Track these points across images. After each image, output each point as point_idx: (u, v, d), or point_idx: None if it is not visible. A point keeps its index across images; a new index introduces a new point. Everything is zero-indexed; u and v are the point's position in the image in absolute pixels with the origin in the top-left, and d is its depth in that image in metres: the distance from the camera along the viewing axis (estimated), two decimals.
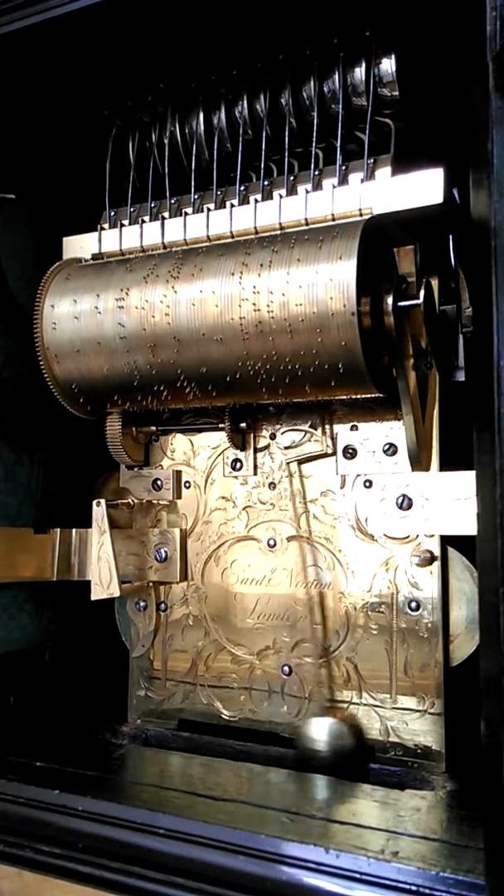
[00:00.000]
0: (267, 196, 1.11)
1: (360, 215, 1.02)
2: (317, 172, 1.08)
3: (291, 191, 1.09)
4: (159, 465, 1.29)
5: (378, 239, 0.99)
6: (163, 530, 1.26)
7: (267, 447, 1.21)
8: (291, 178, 1.10)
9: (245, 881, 0.80)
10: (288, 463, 1.18)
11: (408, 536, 1.09)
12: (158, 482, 1.28)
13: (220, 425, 1.19)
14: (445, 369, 1.07)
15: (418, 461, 1.02)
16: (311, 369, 0.97)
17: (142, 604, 1.28)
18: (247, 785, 1.01)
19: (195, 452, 1.27)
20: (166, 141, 1.19)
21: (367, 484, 1.12)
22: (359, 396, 1.05)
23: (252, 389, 1.04)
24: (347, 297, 0.93)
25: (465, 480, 1.01)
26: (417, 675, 1.07)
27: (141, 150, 1.23)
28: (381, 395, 1.00)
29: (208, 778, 1.02)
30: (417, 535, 1.08)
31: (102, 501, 1.18)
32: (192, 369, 1.04)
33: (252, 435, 1.21)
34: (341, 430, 1.14)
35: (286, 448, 1.19)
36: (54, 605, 1.36)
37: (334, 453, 1.15)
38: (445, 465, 1.06)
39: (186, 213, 1.16)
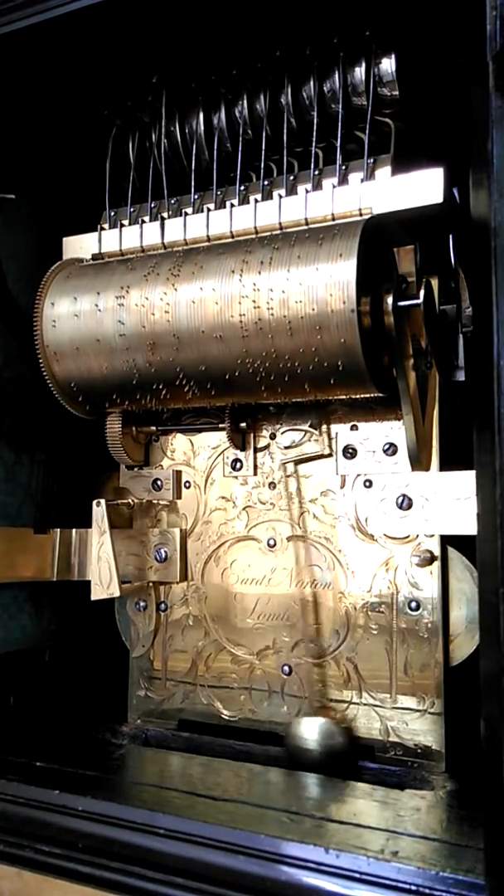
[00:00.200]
0: (267, 196, 1.11)
1: (360, 215, 1.02)
2: (317, 172, 1.08)
3: (291, 191, 1.09)
4: (159, 465, 1.29)
5: (378, 238, 0.99)
6: (163, 530, 1.26)
7: (267, 447, 1.21)
8: (291, 177, 1.10)
9: (245, 881, 0.80)
10: (284, 463, 1.18)
11: (408, 536, 1.09)
12: (158, 482, 1.28)
13: (220, 425, 1.19)
14: (445, 369, 1.07)
15: (418, 461, 1.02)
16: (310, 367, 0.97)
17: (142, 604, 1.28)
18: (247, 785, 1.01)
19: (195, 452, 1.27)
20: (166, 141, 1.19)
21: (367, 484, 1.12)
22: (359, 396, 1.05)
23: (251, 388, 1.04)
24: (347, 295, 0.93)
25: (465, 480, 1.01)
26: (417, 674, 1.07)
27: (141, 150, 1.23)
28: (381, 395, 1.00)
29: (208, 778, 1.02)
30: (417, 535, 1.08)
31: (102, 501, 1.18)
32: (191, 368, 1.04)
33: (252, 435, 1.21)
34: (341, 429, 1.14)
35: (286, 448, 1.19)
36: (54, 605, 1.36)
37: (333, 453, 1.15)
38: (445, 465, 1.06)
39: (186, 213, 1.16)
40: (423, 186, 0.98)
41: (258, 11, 1.02)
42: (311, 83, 1.08)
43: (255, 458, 1.21)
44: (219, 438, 1.24)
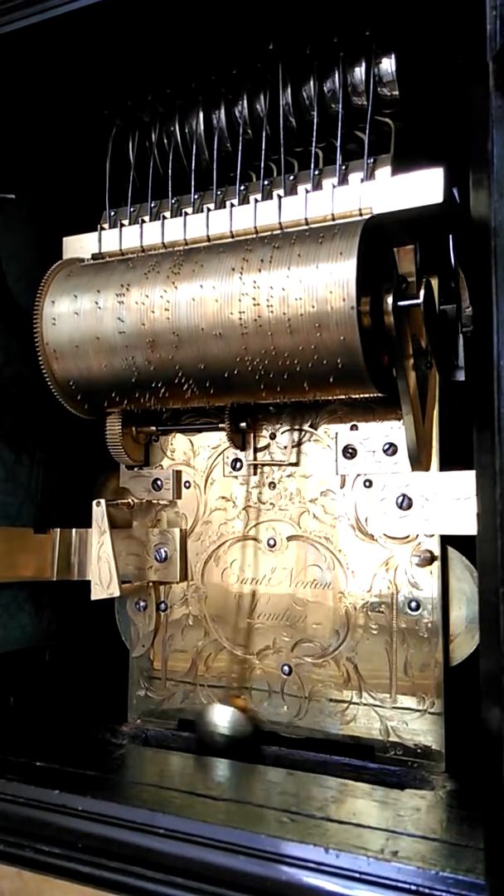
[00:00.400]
0: (267, 196, 1.11)
1: (360, 215, 1.02)
2: (317, 172, 1.08)
3: (291, 190, 1.09)
4: (159, 465, 1.29)
5: (378, 238, 0.99)
6: (163, 530, 1.26)
7: (267, 447, 1.21)
8: (291, 177, 1.10)
9: (245, 881, 0.80)
10: (251, 465, 1.20)
11: (408, 536, 1.09)
12: (158, 482, 1.28)
13: (220, 425, 1.19)
14: (445, 369, 1.07)
15: (418, 461, 1.02)
16: (309, 365, 0.97)
17: (142, 604, 1.28)
18: (247, 785, 1.01)
19: (195, 452, 1.27)
20: (166, 141, 1.19)
21: (367, 484, 1.12)
22: (359, 396, 1.05)
23: (250, 387, 1.04)
24: (347, 293, 0.93)
25: (465, 480, 1.01)
26: (417, 674, 1.07)
27: (141, 150, 1.23)
28: (380, 395, 1.00)
29: (208, 778, 1.02)
30: (417, 535, 1.08)
31: (102, 501, 1.18)
32: (190, 366, 1.04)
33: (252, 435, 1.21)
34: (341, 429, 1.14)
35: (286, 448, 1.19)
36: (54, 604, 1.36)
37: (334, 453, 1.15)
38: (445, 465, 1.06)
39: (186, 213, 1.16)
40: (423, 186, 0.98)
41: (258, 11, 1.02)
42: (311, 83, 1.08)
43: (255, 458, 1.21)
44: (219, 438, 1.24)
